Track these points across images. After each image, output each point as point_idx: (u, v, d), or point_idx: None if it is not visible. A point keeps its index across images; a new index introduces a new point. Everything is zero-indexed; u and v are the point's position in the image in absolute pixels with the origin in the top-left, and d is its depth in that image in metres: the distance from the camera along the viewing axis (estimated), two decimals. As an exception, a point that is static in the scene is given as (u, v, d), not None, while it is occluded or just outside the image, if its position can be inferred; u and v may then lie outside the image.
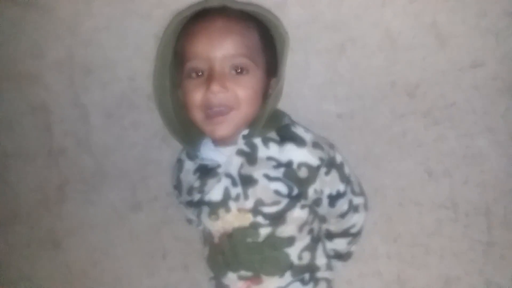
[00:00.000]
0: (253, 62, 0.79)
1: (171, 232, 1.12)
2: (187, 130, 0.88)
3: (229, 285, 0.87)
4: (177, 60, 0.84)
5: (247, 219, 0.81)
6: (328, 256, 0.94)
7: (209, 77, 0.76)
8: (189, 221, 1.02)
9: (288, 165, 0.80)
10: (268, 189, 0.80)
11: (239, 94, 0.77)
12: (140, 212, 1.11)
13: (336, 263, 0.96)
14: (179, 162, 0.94)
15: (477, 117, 0.97)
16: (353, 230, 0.93)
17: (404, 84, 0.98)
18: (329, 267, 0.93)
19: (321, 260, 0.90)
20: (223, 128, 0.79)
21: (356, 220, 0.91)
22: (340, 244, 0.94)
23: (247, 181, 0.80)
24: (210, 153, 0.86)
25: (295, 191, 0.81)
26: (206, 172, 0.86)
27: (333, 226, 0.91)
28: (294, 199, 0.81)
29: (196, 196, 0.86)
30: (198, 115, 0.79)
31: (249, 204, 0.80)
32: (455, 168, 1.00)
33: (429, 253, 1.04)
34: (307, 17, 0.95)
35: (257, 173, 0.80)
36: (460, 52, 0.95)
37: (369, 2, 0.95)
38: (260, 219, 0.80)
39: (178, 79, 0.84)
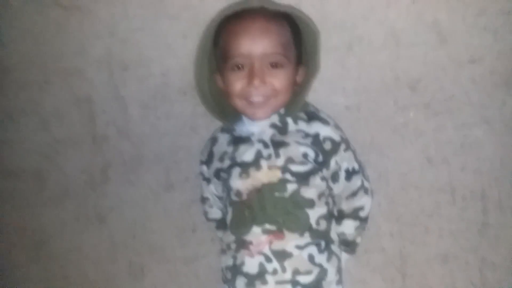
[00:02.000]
0: (286, 58, 0.91)
1: (200, 209, 1.23)
2: (223, 109, 1.01)
3: (252, 241, 0.92)
4: (218, 52, 0.95)
5: (276, 176, 0.90)
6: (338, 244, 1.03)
7: (250, 72, 0.89)
8: (204, 200, 1.12)
9: (315, 136, 0.94)
10: (298, 151, 0.91)
11: (276, 86, 0.91)
12: (173, 192, 1.25)
13: (342, 255, 1.05)
14: (213, 139, 1.04)
15: (474, 109, 1.05)
16: (362, 214, 1.03)
17: (406, 79, 1.07)
18: (340, 246, 1.03)
19: (334, 235, 1.00)
20: (262, 112, 0.93)
21: (365, 201, 1.02)
22: (348, 227, 1.03)
23: (279, 144, 0.92)
24: (245, 126, 0.99)
25: (320, 158, 0.93)
26: (240, 140, 0.97)
27: (345, 205, 1.02)
28: (318, 166, 0.92)
29: (227, 162, 0.97)
30: (239, 103, 0.93)
31: (280, 162, 0.91)
32: (453, 156, 1.08)
33: (429, 233, 1.13)
34: (318, 17, 1.03)
35: (289, 139, 0.93)
36: (459, 48, 1.04)
37: (375, 3, 1.05)
38: (288, 176, 0.90)
39: (217, 67, 0.97)
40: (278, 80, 0.90)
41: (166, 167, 1.24)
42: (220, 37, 0.93)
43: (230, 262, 0.97)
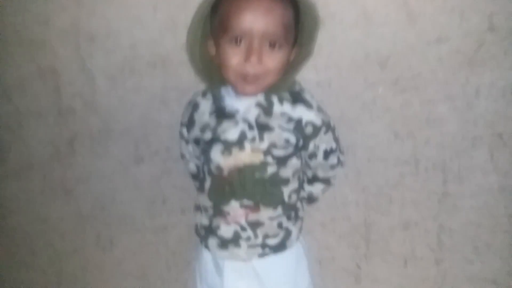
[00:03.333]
0: (286, 39, 0.93)
1: (169, 181, 1.29)
2: (210, 75, 1.01)
3: (230, 212, 0.98)
4: (217, 19, 0.93)
5: (258, 158, 0.94)
6: (302, 199, 1.11)
7: (249, 49, 0.89)
8: (182, 156, 1.15)
9: (298, 122, 0.97)
10: (281, 137, 0.95)
11: (270, 66, 0.92)
12: (142, 164, 1.28)
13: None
14: (194, 104, 1.05)
15: (439, 86, 1.12)
16: (333, 180, 1.12)
17: (376, 56, 1.12)
18: (308, 204, 1.14)
19: (299, 204, 1.07)
20: (252, 88, 0.94)
21: (338, 171, 1.11)
22: (317, 189, 1.12)
23: (263, 127, 0.95)
24: (230, 99, 1.01)
25: (301, 143, 0.98)
26: (223, 114, 0.98)
27: (321, 173, 1.09)
28: (297, 149, 0.97)
29: (208, 134, 0.99)
30: (232, 76, 0.93)
31: (264, 145, 0.94)
32: (418, 130, 1.16)
33: (392, 202, 1.22)
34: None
35: (273, 123, 0.96)
36: (427, 28, 1.09)
37: (348, -19, 1.08)
38: (269, 159, 0.94)
39: (211, 33, 0.97)
40: (274, 61, 0.91)
41: (135, 140, 1.27)
42: (221, 4, 0.92)
43: (206, 222, 1.03)
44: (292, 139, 0.96)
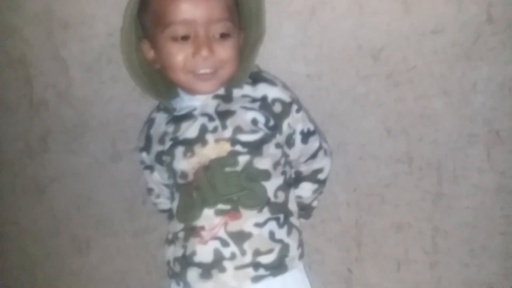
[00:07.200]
0: (233, 24, 0.86)
1: None
2: (154, 84, 0.93)
3: (204, 225, 0.85)
4: (148, 17, 0.86)
5: (225, 149, 0.84)
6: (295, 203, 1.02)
7: (196, 41, 0.82)
8: (149, 191, 1.08)
9: (263, 99, 0.89)
10: (246, 118, 0.85)
11: (224, 57, 0.84)
12: (120, 162, 1.22)
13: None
14: (149, 121, 0.98)
15: (435, 80, 1.08)
16: (321, 176, 1.04)
17: (369, 48, 1.08)
18: (299, 216, 1.01)
19: (293, 206, 0.96)
20: (210, 85, 0.86)
21: (325, 163, 1.03)
22: (306, 191, 1.03)
23: (225, 114, 0.86)
24: (184, 102, 0.92)
25: (272, 123, 0.88)
26: (180, 118, 0.90)
27: (304, 167, 1.01)
28: (271, 133, 0.87)
29: (168, 143, 0.89)
30: (183, 77, 0.85)
31: (228, 133, 0.84)
32: (412, 127, 1.11)
33: (385, 202, 1.17)
34: (281, -21, 1.02)
35: (234, 106, 0.87)
36: (422, 18, 1.05)
37: (340, -32, 1.03)
38: (238, 147, 0.84)
39: (145, 34, 0.89)
40: (226, 50, 0.84)
41: (112, 136, 1.20)
42: (155, 0, 0.84)
43: (179, 253, 0.90)
44: (260, 118, 0.87)
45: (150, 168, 1.00)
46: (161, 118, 0.95)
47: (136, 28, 0.89)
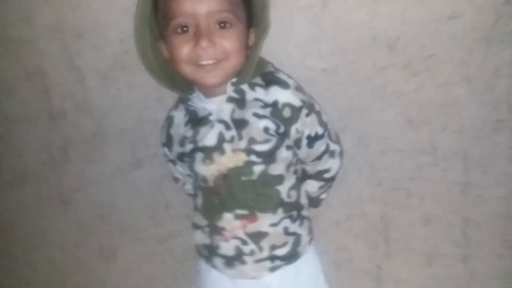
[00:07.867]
0: (236, 16, 0.85)
1: (171, 185, 1.21)
2: (173, 81, 0.95)
3: (225, 227, 0.92)
4: (158, 14, 0.89)
5: (242, 159, 0.87)
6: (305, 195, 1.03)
7: (196, 33, 0.83)
8: (175, 180, 1.12)
9: (274, 105, 0.88)
10: (259, 127, 0.87)
11: (226, 47, 0.84)
12: (141, 168, 1.22)
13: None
14: (169, 119, 1.01)
15: (455, 67, 1.05)
16: (327, 175, 1.03)
17: (384, 38, 1.05)
18: (309, 206, 1.04)
19: (304, 200, 1.00)
20: (214, 76, 0.86)
21: (331, 164, 1.02)
22: (312, 187, 1.04)
23: (240, 124, 0.88)
24: (200, 102, 0.94)
25: (282, 129, 0.89)
26: (198, 122, 0.92)
27: (309, 167, 1.01)
28: (281, 138, 0.89)
29: (189, 146, 0.93)
30: (187, 69, 0.86)
31: (243, 144, 0.87)
32: (434, 116, 1.08)
33: (411, 195, 1.14)
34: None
35: (247, 114, 0.88)
36: (438, 4, 1.02)
37: (350, -42, 1.01)
38: (253, 157, 0.87)
39: (160, 34, 0.90)
40: (228, 41, 0.84)
41: (131, 143, 1.20)
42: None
43: (206, 241, 0.99)
44: (271, 126, 0.88)
45: (173, 161, 1.05)
46: (179, 118, 0.98)
47: (152, 29, 0.91)
